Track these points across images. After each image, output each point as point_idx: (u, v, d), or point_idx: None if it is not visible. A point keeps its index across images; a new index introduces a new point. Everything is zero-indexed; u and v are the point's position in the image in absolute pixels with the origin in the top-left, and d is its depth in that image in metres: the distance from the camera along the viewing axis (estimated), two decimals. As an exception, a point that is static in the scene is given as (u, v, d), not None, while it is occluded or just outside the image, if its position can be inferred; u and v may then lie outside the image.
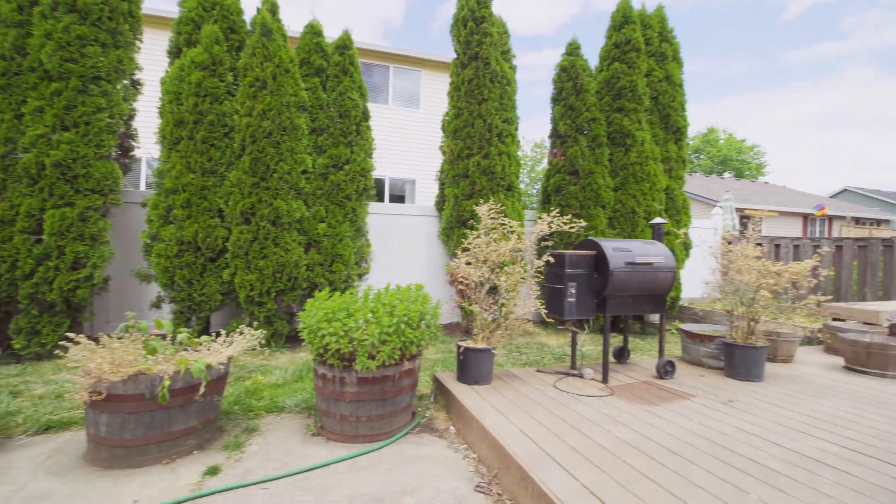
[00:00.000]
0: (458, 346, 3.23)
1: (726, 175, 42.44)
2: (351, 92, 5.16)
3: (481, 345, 3.23)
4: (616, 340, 5.12)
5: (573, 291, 3.29)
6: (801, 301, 3.96)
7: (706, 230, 8.32)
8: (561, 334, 5.70)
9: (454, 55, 5.87)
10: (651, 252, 3.42)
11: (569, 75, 6.26)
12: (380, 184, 12.92)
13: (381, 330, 2.46)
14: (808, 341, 5.20)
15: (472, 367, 3.19)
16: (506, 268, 3.33)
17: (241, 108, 4.80)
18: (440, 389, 3.28)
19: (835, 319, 4.73)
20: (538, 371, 3.62)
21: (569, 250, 3.50)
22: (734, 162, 43.34)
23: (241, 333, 3.06)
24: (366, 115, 5.39)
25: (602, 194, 6.00)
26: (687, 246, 6.52)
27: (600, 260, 3.31)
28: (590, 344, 5.10)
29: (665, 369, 3.45)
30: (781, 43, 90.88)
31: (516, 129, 6.01)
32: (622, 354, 3.96)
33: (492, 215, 3.53)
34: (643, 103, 6.18)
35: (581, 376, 3.46)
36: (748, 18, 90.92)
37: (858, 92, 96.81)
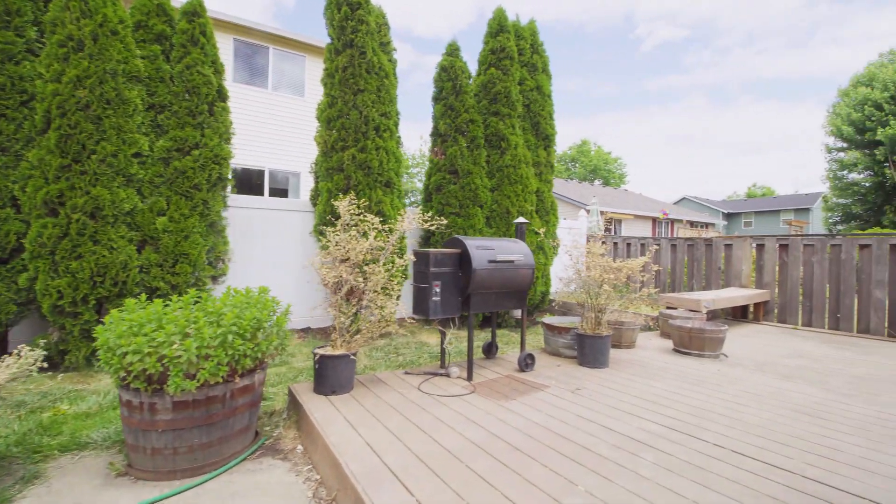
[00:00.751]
0: (314, 354, 2.94)
1: (597, 182, 48.05)
2: (202, 66, 4.48)
3: (340, 350, 2.98)
4: (506, 336, 5.29)
5: (438, 290, 3.22)
6: (638, 293, 4.45)
7: (574, 230, 9.13)
8: (438, 335, 5.69)
9: (329, 40, 5.50)
10: (512, 250, 3.51)
11: (448, 75, 6.30)
12: (258, 175, 11.79)
13: (200, 343, 2.07)
14: (649, 327, 5.96)
15: (329, 376, 2.92)
16: (366, 267, 3.12)
17: (46, 72, 3.85)
18: (293, 403, 2.95)
19: (668, 308, 5.47)
20: (406, 373, 3.49)
21: (436, 248, 3.43)
22: (602, 171, 49.21)
23: (20, 355, 2.38)
24: (222, 95, 4.74)
25: (480, 194, 6.14)
26: (556, 246, 7.03)
27: (464, 258, 3.29)
28: (465, 341, 5.17)
29: (525, 362, 3.57)
30: (640, 72, 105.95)
31: (396, 124, 5.85)
32: (490, 350, 4.03)
33: (352, 211, 3.30)
34: (517, 109, 6.49)
35: (448, 375, 3.41)
36: (616, 47, 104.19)
37: (695, 118, 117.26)
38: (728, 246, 6.89)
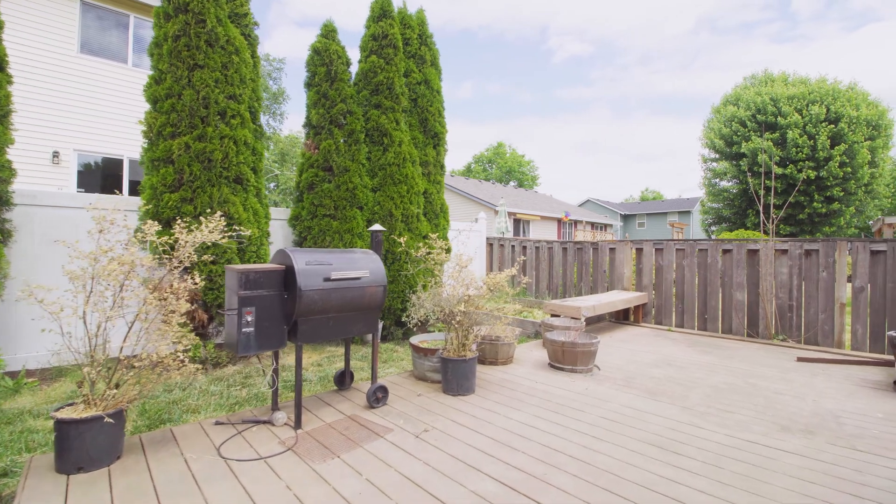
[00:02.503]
0: (53, 418, 2.09)
1: (511, 183, 49.87)
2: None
3: (87, 412, 2.15)
4: (381, 354, 4.67)
5: (250, 319, 2.52)
6: (510, 300, 4.13)
7: (473, 233, 8.86)
8: (317, 350, 4.95)
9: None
10: (358, 265, 2.92)
11: (322, 59, 5.55)
12: (115, 166, 9.93)
13: None
14: (537, 334, 5.76)
15: (73, 448, 2.09)
16: (125, 291, 2.32)
17: None
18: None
19: (552, 315, 5.30)
20: (218, 423, 2.74)
21: (255, 264, 2.72)
22: (517, 173, 51.19)
23: None
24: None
25: (359, 194, 5.50)
26: (448, 250, 6.61)
27: (291, 276, 2.63)
28: (338, 361, 4.49)
29: (375, 397, 3.01)
30: (553, 81, 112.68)
31: (253, 110, 4.98)
32: (344, 379, 3.41)
33: (107, 214, 2.47)
34: (401, 102, 5.94)
35: (272, 423, 2.73)
36: (531, 57, 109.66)
37: (600, 127, 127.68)
38: (612, 250, 7.02)
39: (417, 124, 6.36)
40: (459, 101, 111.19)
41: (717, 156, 28.01)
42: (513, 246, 8.68)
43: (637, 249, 6.77)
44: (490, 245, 9.13)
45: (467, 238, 8.54)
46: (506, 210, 16.26)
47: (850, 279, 5.12)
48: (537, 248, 8.21)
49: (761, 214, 5.98)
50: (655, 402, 3.20)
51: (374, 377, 3.09)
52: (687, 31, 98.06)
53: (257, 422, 2.76)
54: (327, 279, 2.71)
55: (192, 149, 4.28)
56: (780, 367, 4.16)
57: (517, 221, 21.70)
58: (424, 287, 4.75)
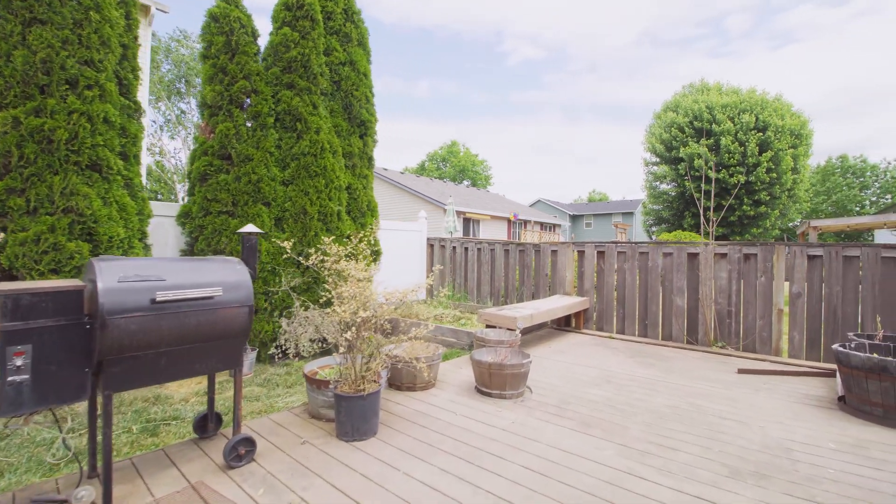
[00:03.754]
0: None
1: (465, 182, 49.77)
2: None
3: None
4: (278, 379, 3.89)
5: (21, 364, 1.73)
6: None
7: (412, 233, 8.23)
8: (190, 382, 4.09)
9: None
10: (208, 278, 2.19)
11: (221, 27, 4.69)
12: None
13: None
14: (471, 346, 5.22)
15: None
16: None
17: None
18: None
19: (487, 325, 4.78)
20: (-12, 510, 1.92)
21: (37, 282, 1.93)
22: (470, 172, 51.16)
23: None
24: None
25: (265, 188, 4.69)
26: (377, 253, 5.93)
27: (95, 298, 1.86)
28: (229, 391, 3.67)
29: (236, 453, 2.29)
30: (508, 83, 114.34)
31: (125, 82, 4.05)
32: (206, 425, 2.65)
33: None
34: (319, 84, 5.18)
35: (68, 503, 1.94)
36: (487, 58, 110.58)
37: (552, 130, 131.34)
38: (554, 252, 6.64)
39: (341, 110, 5.61)
40: (416, 99, 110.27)
41: (658, 160, 29.18)
42: (454, 247, 8.13)
43: (579, 252, 6.42)
44: (431, 246, 8.53)
45: (405, 239, 7.88)
46: (454, 209, 15.77)
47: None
48: (479, 249, 7.71)
49: (701, 217, 5.79)
50: (590, 437, 2.71)
51: (236, 426, 2.36)
52: (631, 43, 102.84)
53: (50, 502, 1.96)
54: (155, 301, 1.96)
55: (23, 125, 3.31)
56: (722, 382, 3.86)
57: (467, 221, 21.32)
58: (327, 301, 4.03)
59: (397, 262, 7.57)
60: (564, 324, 6.32)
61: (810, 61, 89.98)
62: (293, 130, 5.01)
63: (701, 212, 5.70)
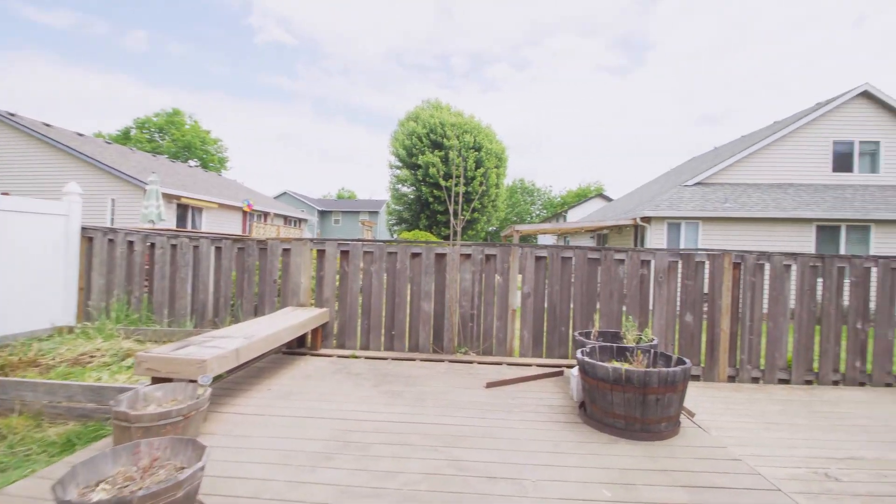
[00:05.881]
0: None
1: (191, 162, 40.86)
2: None
3: None
4: None
5: None
6: None
7: (45, 218, 5.03)
8: None
9: None
10: None
11: None
12: None
13: None
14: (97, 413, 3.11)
15: None
16: None
17: None
18: None
19: (154, 380, 2.84)
20: None
21: None
22: (199, 150, 42.47)
23: None
24: None
25: None
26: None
27: None
28: None
29: None
30: (257, 63, 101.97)
31: None
32: None
33: None
34: None
35: None
36: (232, 29, 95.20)
37: (303, 123, 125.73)
38: (287, 251, 5.10)
39: None
40: (126, 51, 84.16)
41: (401, 164, 31.26)
42: (130, 242, 5.41)
43: (319, 251, 5.11)
44: (90, 240, 5.47)
45: (24, 229, 4.71)
46: (158, 189, 11.74)
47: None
48: (175, 245, 5.33)
49: (451, 219, 5.41)
50: None
51: None
52: (380, 55, 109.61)
53: None
54: None
55: None
56: (476, 407, 3.29)
57: (184, 208, 16.80)
58: None
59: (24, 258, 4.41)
60: (298, 344, 4.89)
61: (504, 105, 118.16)
62: None
63: (451, 211, 5.34)
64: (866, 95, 13.89)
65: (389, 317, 5.00)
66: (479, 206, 30.26)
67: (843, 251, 12.16)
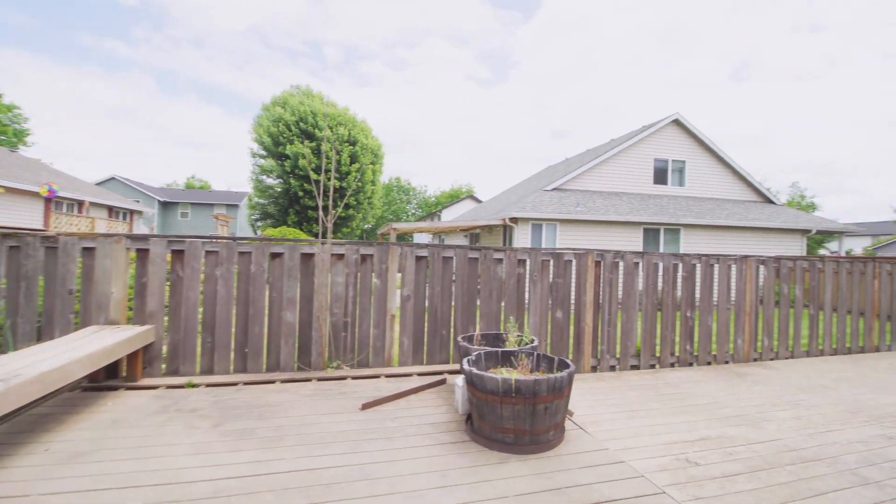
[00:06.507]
0: None
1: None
2: None
3: None
4: None
5: None
6: None
7: None
8: None
9: None
10: None
11: None
12: None
13: None
14: None
15: None
16: None
17: None
18: None
19: None
20: None
21: None
22: (-23, 118, 32.30)
23: None
24: None
25: None
26: None
27: None
28: None
29: None
30: (78, 19, 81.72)
31: None
32: None
33: None
34: None
35: None
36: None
37: (141, 98, 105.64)
38: (89, 250, 3.81)
39: None
40: None
41: (266, 153, 28.30)
42: None
43: (140, 251, 3.93)
44: None
45: None
46: None
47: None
48: None
49: (321, 214, 4.67)
50: None
51: None
52: (241, 33, 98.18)
53: None
54: None
55: None
56: (350, 439, 2.76)
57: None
58: None
59: None
60: (108, 375, 3.69)
61: (381, 102, 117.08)
62: None
63: (319, 206, 4.63)
64: (677, 123, 17.03)
65: (242, 331, 4.12)
66: (355, 202, 29.13)
67: (661, 249, 14.68)
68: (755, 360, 5.72)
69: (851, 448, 3.08)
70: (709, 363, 5.49)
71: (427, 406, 3.34)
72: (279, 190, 28.41)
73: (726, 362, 5.56)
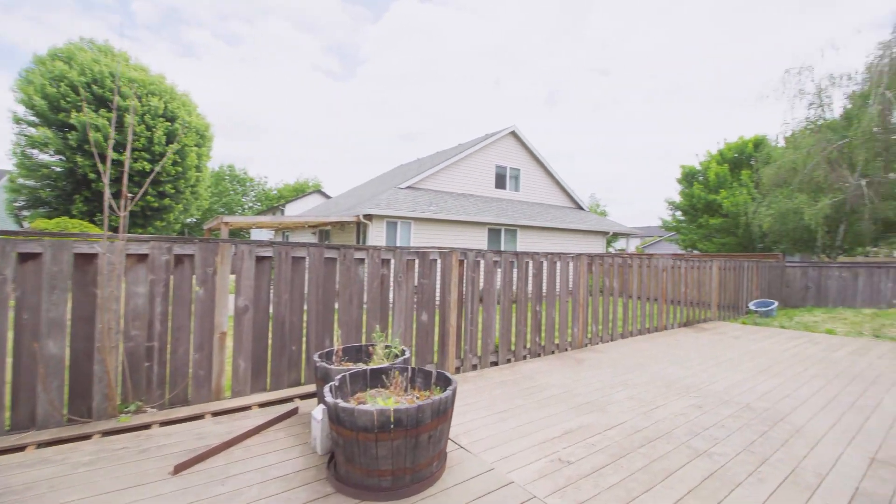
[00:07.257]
0: None
1: None
2: None
3: None
4: None
5: None
6: None
7: None
8: None
9: None
10: None
11: None
12: None
13: None
14: None
15: None
16: None
17: None
18: None
19: None
20: None
21: None
22: None
23: None
24: None
25: None
26: None
27: None
28: None
29: None
30: None
31: None
32: None
33: None
34: None
35: None
36: None
37: None
38: None
39: None
40: None
41: (38, 120, 21.44)
42: None
43: None
44: None
45: None
46: None
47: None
48: None
49: (108, 200, 3.31)
50: None
51: None
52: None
53: None
54: None
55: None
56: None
57: None
58: None
59: None
60: None
61: (209, 78, 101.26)
62: None
63: (106, 187, 3.34)
64: (514, 135, 18.84)
65: (-41, 375, 2.65)
66: (173, 190, 24.32)
67: (502, 247, 16.02)
68: (586, 345, 6.43)
69: (677, 422, 3.51)
70: (553, 352, 5.93)
71: (274, 451, 2.60)
72: (59, 170, 21.89)
73: (566, 350, 6.10)
